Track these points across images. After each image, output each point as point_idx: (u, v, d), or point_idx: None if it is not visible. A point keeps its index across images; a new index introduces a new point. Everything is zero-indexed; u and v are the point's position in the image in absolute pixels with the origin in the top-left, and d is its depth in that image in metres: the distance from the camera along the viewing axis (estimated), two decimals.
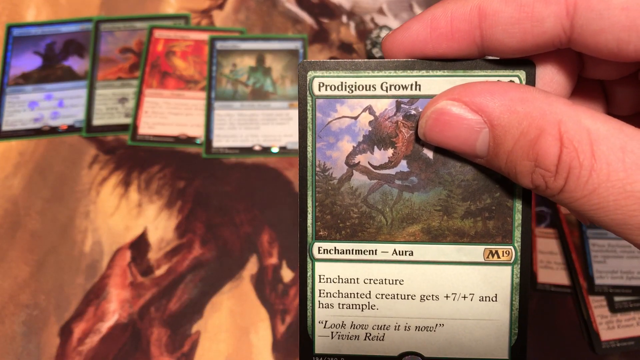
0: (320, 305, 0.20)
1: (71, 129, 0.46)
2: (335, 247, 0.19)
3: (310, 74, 0.19)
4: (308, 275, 0.20)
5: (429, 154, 0.19)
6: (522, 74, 0.18)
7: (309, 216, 0.19)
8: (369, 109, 0.19)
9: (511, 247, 0.19)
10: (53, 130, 0.46)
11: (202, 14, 0.50)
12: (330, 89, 0.19)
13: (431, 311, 0.19)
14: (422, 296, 0.19)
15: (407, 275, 0.19)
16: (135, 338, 0.38)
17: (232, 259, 0.41)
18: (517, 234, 0.19)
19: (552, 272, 0.40)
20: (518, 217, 0.19)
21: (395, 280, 0.19)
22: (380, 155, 0.19)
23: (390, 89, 0.19)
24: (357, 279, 0.20)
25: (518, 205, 0.19)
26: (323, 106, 0.19)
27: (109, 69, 0.48)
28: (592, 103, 0.20)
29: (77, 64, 0.49)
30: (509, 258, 0.19)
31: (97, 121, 0.46)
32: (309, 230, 0.19)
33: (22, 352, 0.38)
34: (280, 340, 0.38)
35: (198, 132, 0.46)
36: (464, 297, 0.19)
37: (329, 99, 0.19)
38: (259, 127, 0.46)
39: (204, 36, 0.49)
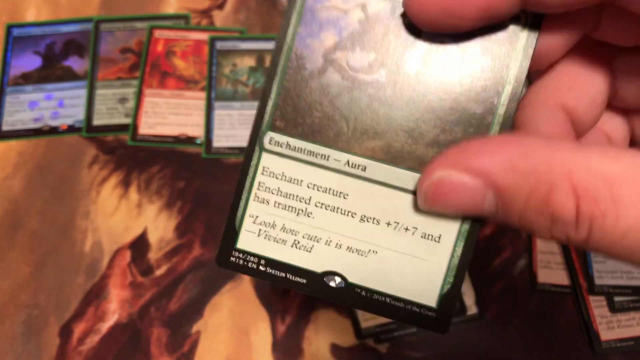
0: (256, 198, 0.19)
1: (71, 129, 0.46)
2: (287, 142, 0.18)
3: None
4: (252, 164, 0.19)
5: (412, 70, 0.18)
6: None
7: (270, 102, 0.18)
8: (362, 7, 0.18)
9: None
10: (53, 130, 0.46)
11: (202, 14, 0.50)
12: None
13: (368, 235, 0.18)
14: (363, 217, 0.18)
15: (354, 191, 0.18)
16: (135, 338, 0.38)
17: None
18: None
19: (552, 272, 0.40)
20: None
21: (340, 192, 0.18)
22: (360, 57, 0.18)
23: None
24: (301, 181, 0.18)
25: None
26: None
27: (109, 69, 0.48)
28: (594, 68, 0.19)
29: (77, 64, 0.49)
30: None
31: (97, 121, 0.46)
32: (266, 117, 0.18)
33: (22, 352, 0.38)
34: (280, 340, 0.38)
35: (198, 132, 0.46)
36: (406, 229, 0.18)
37: None
38: None
39: (204, 36, 0.49)
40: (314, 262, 0.19)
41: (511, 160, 0.15)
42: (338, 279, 0.18)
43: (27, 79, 0.48)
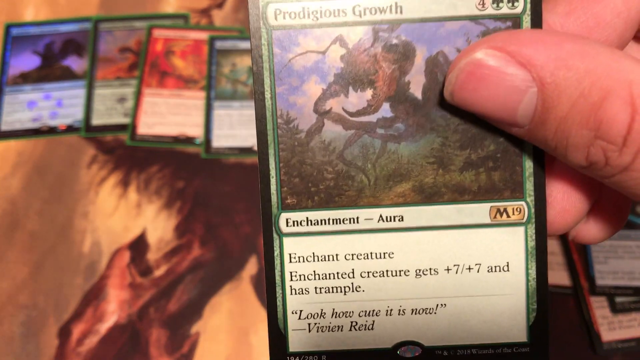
0: (293, 291, 0.16)
1: (70, 129, 0.46)
2: (307, 218, 0.16)
3: None
4: (275, 254, 0.16)
5: (417, 93, 0.15)
6: None
7: (273, 181, 0.16)
8: (340, 40, 0.15)
9: (522, 202, 0.16)
10: (52, 130, 0.46)
11: (202, 13, 0.50)
12: (290, 17, 0.15)
13: (430, 289, 0.16)
14: (418, 271, 0.16)
15: (398, 246, 0.16)
16: (135, 339, 0.38)
17: (232, 259, 0.41)
18: (529, 185, 0.16)
19: (553, 272, 0.39)
20: (529, 165, 0.16)
21: (384, 253, 0.16)
22: (356, 99, 0.16)
23: (365, 13, 0.15)
24: (337, 255, 0.16)
25: (529, 150, 0.16)
26: (282, 39, 0.15)
27: (108, 68, 0.48)
28: None
29: (76, 63, 0.48)
30: (521, 217, 0.16)
31: (96, 121, 0.46)
32: (274, 198, 0.16)
33: (21, 353, 0.38)
34: None
35: (197, 132, 0.45)
36: (469, 268, 0.16)
37: (288, 30, 0.15)
38: None
39: (204, 35, 0.49)
40: (381, 338, 0.16)
41: (568, 56, 0.13)
42: (413, 348, 0.16)
43: (25, 78, 0.48)
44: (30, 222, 0.42)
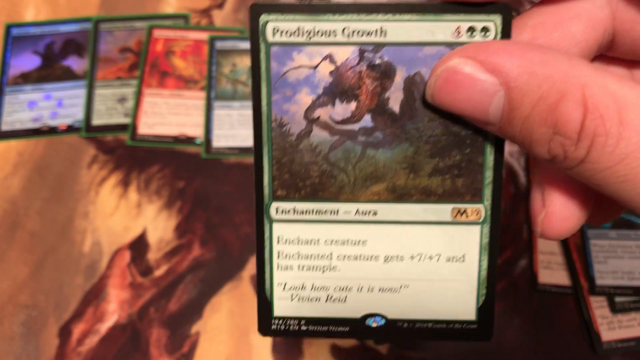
0: (279, 267, 0.19)
1: (70, 129, 0.46)
2: (294, 208, 0.19)
3: (263, 17, 0.17)
4: (266, 237, 0.19)
5: (395, 107, 0.18)
6: (497, 18, 0.17)
7: (266, 175, 0.18)
8: (330, 58, 0.18)
9: (481, 205, 0.18)
10: (52, 130, 0.46)
11: (202, 13, 0.50)
12: (286, 34, 0.17)
13: (395, 272, 0.19)
14: (386, 257, 0.19)
15: (371, 236, 0.19)
16: (135, 339, 0.38)
17: (232, 259, 0.41)
18: (487, 192, 0.18)
19: (552, 272, 0.39)
20: (489, 175, 0.18)
21: (358, 241, 0.19)
22: (342, 109, 0.18)
23: (353, 35, 0.17)
24: (318, 240, 0.19)
25: (489, 162, 0.18)
26: (278, 54, 0.18)
27: (108, 68, 0.48)
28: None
29: (77, 63, 0.48)
30: (478, 217, 0.18)
31: (96, 121, 0.46)
32: (266, 190, 0.19)
33: (21, 352, 0.38)
34: (280, 341, 0.38)
35: (197, 132, 0.45)
36: (430, 257, 0.19)
37: (284, 46, 0.18)
38: None
39: (204, 36, 0.49)
40: (351, 309, 0.19)
41: (530, 63, 0.15)
42: (378, 319, 0.19)
43: (26, 78, 0.48)
44: (30, 222, 0.42)
